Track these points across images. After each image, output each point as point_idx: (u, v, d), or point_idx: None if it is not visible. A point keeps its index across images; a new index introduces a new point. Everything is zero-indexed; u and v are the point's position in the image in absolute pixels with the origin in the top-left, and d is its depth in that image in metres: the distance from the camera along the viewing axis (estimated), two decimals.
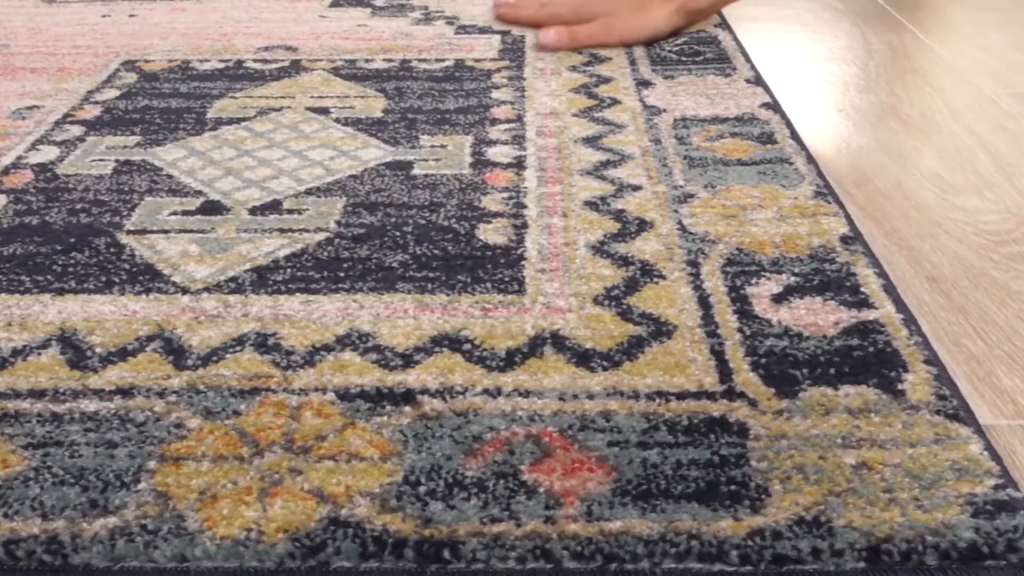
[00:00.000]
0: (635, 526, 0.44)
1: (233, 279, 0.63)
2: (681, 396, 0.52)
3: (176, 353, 0.56)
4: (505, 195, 0.73)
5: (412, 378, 0.54)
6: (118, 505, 0.46)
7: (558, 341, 0.57)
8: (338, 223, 0.69)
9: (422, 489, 0.46)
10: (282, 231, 0.68)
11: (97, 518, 0.45)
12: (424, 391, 0.53)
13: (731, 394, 0.52)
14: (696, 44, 1.05)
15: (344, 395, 0.53)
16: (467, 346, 0.56)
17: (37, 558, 0.43)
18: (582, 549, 0.43)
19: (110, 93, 0.93)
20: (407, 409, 0.52)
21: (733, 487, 0.46)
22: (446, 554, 0.43)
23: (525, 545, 0.43)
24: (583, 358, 0.55)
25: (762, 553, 0.43)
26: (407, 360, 0.55)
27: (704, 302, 0.60)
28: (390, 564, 0.43)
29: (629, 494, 0.46)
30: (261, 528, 0.44)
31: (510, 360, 0.55)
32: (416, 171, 0.77)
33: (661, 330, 0.58)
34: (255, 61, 1.01)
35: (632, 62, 1.00)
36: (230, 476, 0.47)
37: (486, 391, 0.53)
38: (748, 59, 1.00)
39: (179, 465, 0.48)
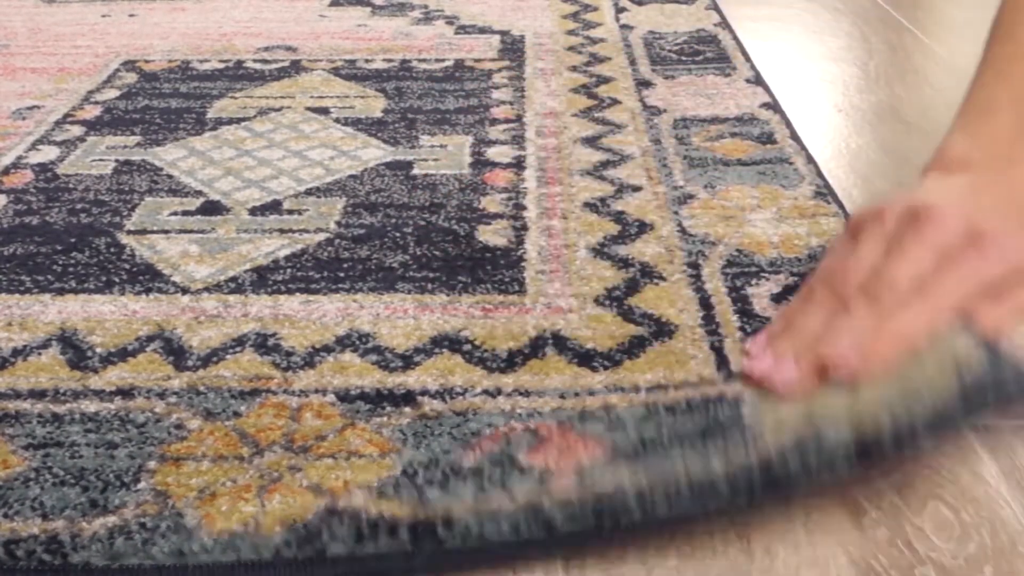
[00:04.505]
0: (627, 481, 0.44)
1: (232, 279, 0.63)
2: (680, 387, 0.52)
3: (176, 353, 0.56)
4: (505, 196, 0.73)
5: (412, 379, 0.54)
6: (118, 504, 0.46)
7: (559, 341, 0.57)
8: (338, 223, 0.69)
9: (419, 479, 0.46)
10: (282, 231, 0.68)
11: (96, 517, 0.45)
12: (424, 392, 0.53)
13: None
14: (696, 44, 1.05)
15: (344, 396, 0.53)
16: (467, 347, 0.56)
17: (37, 558, 0.43)
18: (575, 510, 0.43)
19: (110, 93, 0.93)
20: (407, 410, 0.52)
21: (724, 438, 0.46)
22: (440, 531, 0.43)
23: (518, 515, 0.43)
24: (584, 358, 0.55)
25: (752, 482, 0.43)
26: (407, 361, 0.55)
27: (705, 302, 0.60)
28: (385, 545, 0.43)
29: (623, 458, 0.46)
30: (259, 521, 0.44)
31: (511, 361, 0.55)
32: (416, 171, 0.77)
33: (662, 330, 0.58)
34: (255, 61, 1.01)
35: (632, 62, 1.00)
36: (229, 475, 0.47)
37: (486, 391, 0.53)
38: (748, 59, 1.00)
39: (179, 465, 0.48)
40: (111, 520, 0.45)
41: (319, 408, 0.52)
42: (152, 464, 0.48)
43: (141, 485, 0.47)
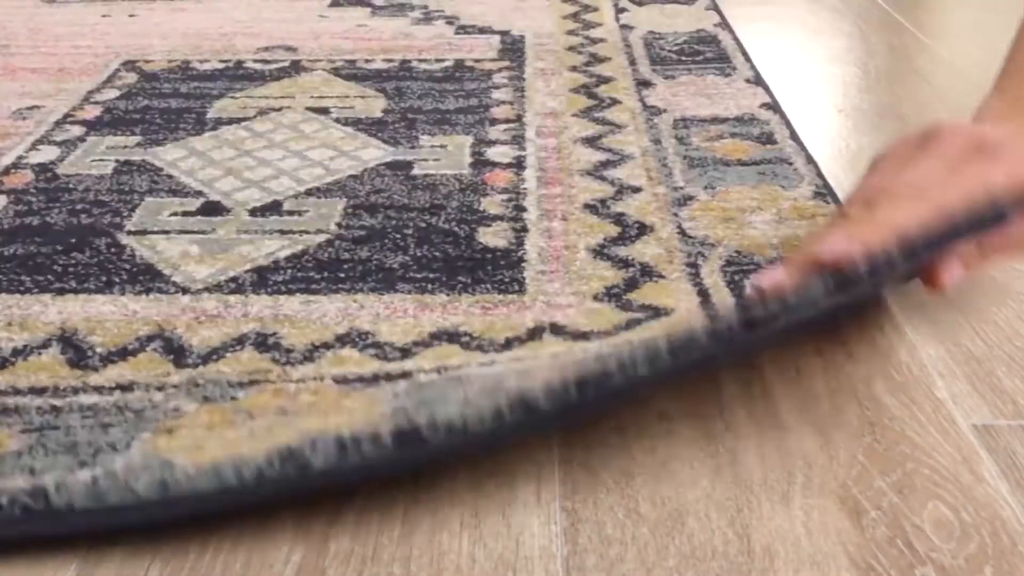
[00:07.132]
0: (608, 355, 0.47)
1: (233, 279, 0.63)
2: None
3: (176, 352, 0.56)
4: (505, 196, 0.73)
5: (409, 364, 0.54)
6: (106, 464, 0.46)
7: (557, 329, 0.57)
8: (338, 224, 0.69)
9: (408, 407, 0.48)
10: (283, 232, 0.68)
11: (82, 469, 0.46)
12: (420, 371, 0.54)
13: None
14: (696, 44, 1.05)
15: (341, 380, 0.53)
16: (466, 338, 0.56)
17: (20, 504, 0.43)
18: (557, 388, 0.45)
19: (110, 93, 0.93)
20: (402, 382, 0.53)
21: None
22: (424, 431, 0.44)
23: (501, 402, 0.45)
24: (581, 336, 0.57)
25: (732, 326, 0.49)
26: (405, 352, 0.55)
27: (703, 293, 0.61)
28: (369, 453, 0.44)
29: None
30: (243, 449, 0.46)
31: (508, 345, 0.56)
32: (416, 171, 0.77)
33: (659, 313, 0.58)
34: (255, 61, 1.01)
35: (632, 62, 1.00)
36: (221, 433, 0.49)
37: (481, 364, 0.54)
38: (748, 59, 1.00)
39: (172, 433, 0.49)
40: (97, 471, 0.45)
41: (316, 389, 0.52)
42: (145, 435, 0.48)
43: (132, 450, 0.47)
